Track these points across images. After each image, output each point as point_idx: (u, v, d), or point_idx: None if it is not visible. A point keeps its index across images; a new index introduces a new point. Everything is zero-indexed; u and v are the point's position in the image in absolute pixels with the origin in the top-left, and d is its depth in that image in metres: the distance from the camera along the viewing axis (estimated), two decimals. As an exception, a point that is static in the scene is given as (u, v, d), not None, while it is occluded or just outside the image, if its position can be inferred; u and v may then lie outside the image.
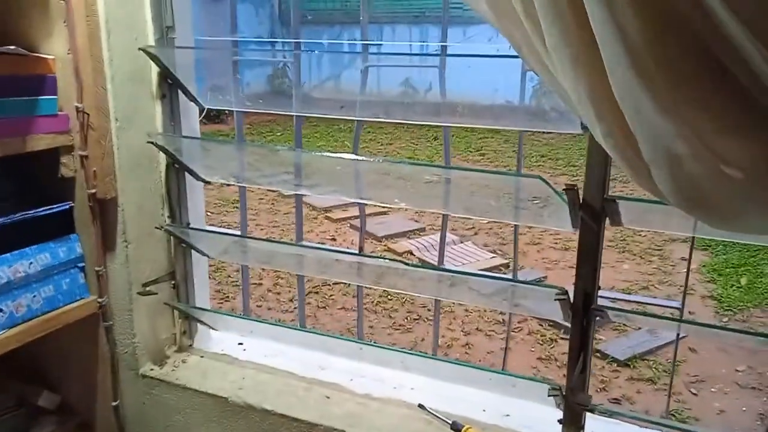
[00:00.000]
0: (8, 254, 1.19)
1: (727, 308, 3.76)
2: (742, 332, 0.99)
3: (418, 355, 1.35)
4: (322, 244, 4.84)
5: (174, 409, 1.39)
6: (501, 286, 1.18)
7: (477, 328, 3.56)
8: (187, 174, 1.38)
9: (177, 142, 1.35)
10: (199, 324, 1.49)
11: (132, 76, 1.27)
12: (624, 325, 3.45)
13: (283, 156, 1.35)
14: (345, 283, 4.05)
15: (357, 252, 1.31)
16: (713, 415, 2.77)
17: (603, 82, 0.51)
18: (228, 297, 3.95)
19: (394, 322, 3.66)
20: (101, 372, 1.42)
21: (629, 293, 3.99)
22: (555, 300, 0.98)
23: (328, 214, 5.60)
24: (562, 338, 3.40)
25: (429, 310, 3.77)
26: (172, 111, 1.35)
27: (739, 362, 3.13)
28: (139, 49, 1.26)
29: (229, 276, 4.24)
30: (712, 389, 2.95)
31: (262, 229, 5.20)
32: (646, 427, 1.14)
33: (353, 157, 1.17)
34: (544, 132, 8.07)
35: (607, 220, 0.95)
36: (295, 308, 3.80)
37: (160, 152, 1.34)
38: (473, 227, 5.29)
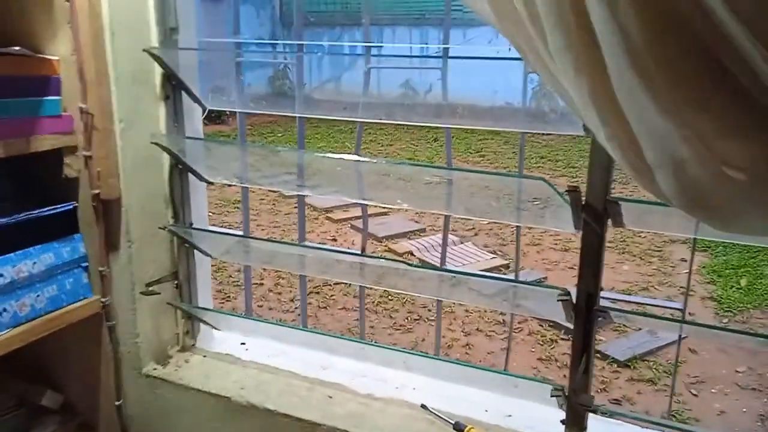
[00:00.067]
0: (12, 254, 1.20)
1: (727, 309, 3.76)
2: (744, 333, 0.99)
3: (421, 356, 1.35)
4: (323, 244, 4.84)
5: (177, 409, 1.40)
6: (503, 287, 1.18)
7: (477, 329, 3.57)
8: (190, 174, 1.39)
9: (180, 143, 1.36)
10: (201, 324, 1.50)
11: (136, 77, 1.28)
12: (624, 325, 3.46)
13: (286, 157, 1.36)
14: (346, 284, 4.06)
15: (359, 252, 1.32)
16: (713, 416, 2.78)
17: (605, 84, 0.52)
18: (229, 297, 3.95)
19: (395, 323, 3.67)
20: (104, 371, 1.43)
21: (629, 294, 4.00)
22: (558, 301, 0.99)
23: (329, 215, 5.61)
24: (562, 339, 3.41)
25: (429, 310, 3.78)
26: (176, 112, 1.36)
27: (740, 363, 3.14)
28: (143, 50, 1.26)
29: (230, 276, 4.25)
30: (713, 390, 2.96)
31: (263, 230, 5.20)
32: (648, 428, 1.14)
33: (356, 158, 1.18)
34: (543, 134, 8.08)
35: (610, 222, 0.96)
36: (296, 308, 3.81)
37: (164, 153, 1.34)
38: (473, 228, 5.30)
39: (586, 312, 0.99)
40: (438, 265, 3.68)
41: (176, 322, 1.47)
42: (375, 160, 1.21)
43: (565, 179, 6.60)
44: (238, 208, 5.77)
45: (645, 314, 1.07)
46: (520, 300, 1.19)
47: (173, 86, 1.34)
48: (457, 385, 1.26)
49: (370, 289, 3.54)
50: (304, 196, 1.41)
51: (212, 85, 1.39)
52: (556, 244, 4.88)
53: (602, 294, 1.01)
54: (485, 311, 3.71)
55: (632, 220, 0.96)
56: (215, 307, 1.52)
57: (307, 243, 1.41)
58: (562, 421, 1.06)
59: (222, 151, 1.46)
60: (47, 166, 1.27)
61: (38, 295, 1.24)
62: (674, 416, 2.73)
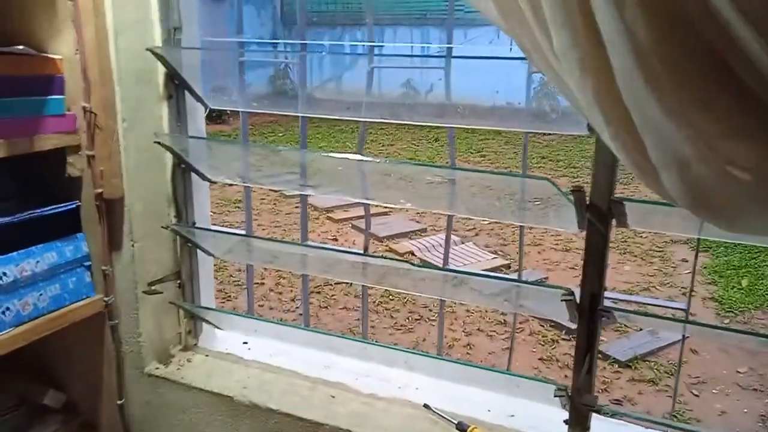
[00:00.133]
0: (15, 253, 1.20)
1: (728, 310, 3.76)
2: (748, 333, 0.99)
3: (423, 355, 1.35)
4: (324, 244, 4.84)
5: (179, 408, 1.40)
6: (506, 287, 1.18)
7: (478, 329, 3.57)
8: (193, 174, 1.39)
9: (183, 143, 1.36)
10: (204, 323, 1.50)
11: (139, 77, 1.28)
12: (625, 326, 3.46)
13: (289, 156, 1.36)
14: (347, 283, 4.06)
15: (362, 252, 1.32)
16: (714, 416, 2.78)
17: (611, 84, 0.52)
18: (230, 296, 3.95)
19: (396, 322, 3.67)
20: (106, 371, 1.43)
21: (630, 294, 4.00)
22: (561, 301, 0.99)
23: (329, 215, 5.61)
24: (563, 339, 3.41)
25: (430, 310, 3.78)
26: (179, 111, 1.36)
27: (741, 364, 3.14)
28: (147, 49, 1.26)
29: (231, 276, 4.25)
30: (714, 390, 2.96)
31: (264, 229, 5.20)
32: (651, 428, 1.14)
33: (359, 157, 1.18)
34: (544, 134, 8.09)
35: (614, 222, 0.95)
36: (296, 308, 3.81)
37: (167, 152, 1.34)
38: (474, 228, 5.30)
39: (589, 312, 0.99)
40: (439, 264, 3.68)
41: (179, 322, 1.47)
42: (378, 160, 1.21)
43: (566, 179, 6.60)
44: (238, 207, 5.78)
45: (649, 314, 1.07)
46: (523, 300, 1.19)
47: (176, 85, 1.34)
48: (459, 385, 1.26)
49: (371, 288, 3.54)
50: (306, 195, 1.41)
51: (213, 85, 1.39)
52: (557, 244, 4.88)
53: (605, 294, 1.01)
54: (486, 311, 3.71)
55: (636, 220, 0.96)
56: (216, 306, 1.52)
57: (309, 242, 1.41)
58: (566, 421, 1.06)
59: (225, 150, 1.46)
60: (50, 165, 1.27)
61: (41, 294, 1.24)
62: (675, 416, 2.73)
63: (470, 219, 5.36)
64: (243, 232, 1.50)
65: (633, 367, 3.14)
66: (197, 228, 1.41)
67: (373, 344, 1.35)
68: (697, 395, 2.92)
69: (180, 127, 1.36)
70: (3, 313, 1.17)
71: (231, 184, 6.11)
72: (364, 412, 1.24)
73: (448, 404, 1.23)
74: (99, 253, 1.33)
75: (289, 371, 1.38)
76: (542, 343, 3.40)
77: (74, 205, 1.30)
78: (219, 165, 1.41)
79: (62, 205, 1.28)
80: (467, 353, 3.32)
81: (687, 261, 4.53)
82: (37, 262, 1.23)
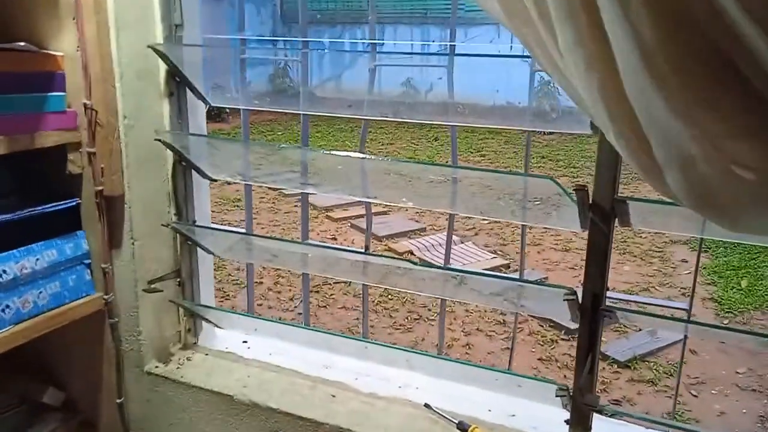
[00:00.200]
0: (15, 250, 1.19)
1: (728, 310, 3.76)
2: (751, 333, 0.99)
3: (424, 355, 1.35)
4: (323, 243, 4.83)
5: (178, 407, 1.39)
6: (507, 286, 1.18)
7: (477, 329, 3.57)
8: (193, 172, 1.38)
9: (184, 140, 1.35)
10: (203, 322, 1.49)
11: (140, 74, 1.27)
12: (624, 326, 3.46)
13: (290, 154, 1.35)
14: (345, 283, 4.06)
15: (363, 251, 1.32)
16: (713, 416, 2.78)
17: (616, 83, 0.51)
18: (228, 295, 3.95)
19: (395, 322, 3.66)
20: (106, 369, 1.42)
21: (630, 294, 4.00)
22: (564, 300, 0.99)
23: (329, 214, 5.61)
24: (562, 339, 3.41)
25: (429, 309, 3.78)
26: (180, 109, 1.35)
27: (740, 364, 3.14)
28: (148, 46, 1.26)
29: (230, 274, 4.25)
30: (713, 391, 2.96)
31: (263, 228, 5.20)
32: (652, 428, 1.14)
33: (360, 155, 1.18)
34: (544, 133, 8.09)
35: (617, 221, 0.95)
36: (295, 307, 3.80)
37: (167, 150, 1.34)
38: (474, 227, 5.30)
39: (592, 312, 0.98)
40: (439, 264, 3.67)
41: (178, 320, 1.47)
42: (380, 158, 1.21)
43: (566, 179, 6.60)
44: (237, 206, 5.77)
45: (651, 314, 1.07)
46: (524, 299, 1.19)
47: (177, 83, 1.33)
48: (460, 385, 1.26)
49: (369, 288, 3.55)
50: (308, 194, 1.41)
51: (214, 82, 1.38)
52: (556, 244, 4.88)
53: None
54: (485, 311, 3.71)
55: (641, 219, 0.96)
56: (215, 305, 1.52)
57: (311, 241, 1.40)
58: (567, 421, 1.06)
59: (226, 148, 1.46)
60: (51, 162, 1.27)
61: (41, 292, 1.24)
62: (675, 417, 2.73)
63: (469, 219, 5.36)
64: (243, 231, 1.50)
65: (632, 368, 3.14)
66: (197, 226, 1.41)
67: (374, 343, 1.35)
68: (696, 396, 2.92)
69: (181, 125, 1.36)
70: (3, 310, 1.17)
71: (230, 183, 6.10)
72: (364, 412, 1.24)
73: (449, 404, 1.22)
74: (99, 251, 1.32)
75: (289, 370, 1.37)
76: (541, 343, 3.40)
77: (74, 203, 1.30)
78: (220, 163, 1.41)
79: (62, 202, 1.28)
80: (466, 353, 3.32)
81: (687, 261, 4.53)
82: (37, 259, 1.23)
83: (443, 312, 1.43)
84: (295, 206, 5.83)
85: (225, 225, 4.97)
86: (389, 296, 3.93)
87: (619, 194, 0.94)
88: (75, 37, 1.19)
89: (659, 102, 0.48)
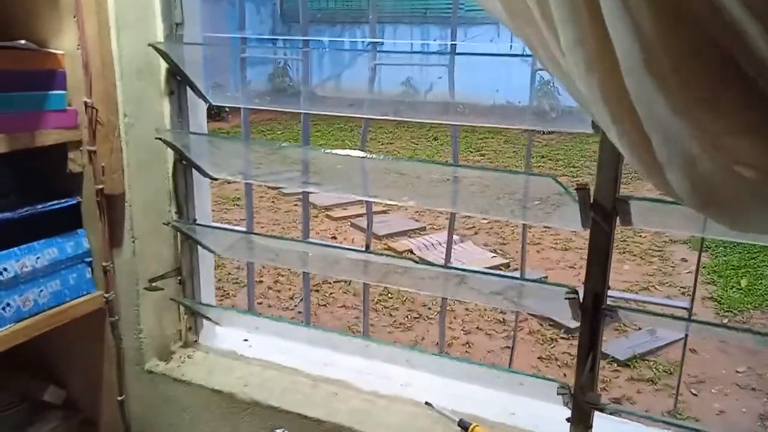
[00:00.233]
0: (16, 249, 1.19)
1: (727, 310, 3.77)
2: (755, 333, 0.99)
3: (425, 353, 1.35)
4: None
5: (179, 405, 1.40)
6: (509, 285, 1.18)
7: (477, 327, 3.57)
8: (194, 170, 1.38)
9: (185, 139, 1.35)
10: (204, 320, 1.49)
11: (141, 72, 1.27)
12: (624, 325, 3.46)
13: (291, 153, 1.35)
14: (345, 282, 4.06)
15: (364, 249, 1.32)
16: (713, 415, 2.78)
17: (618, 82, 0.51)
18: (228, 294, 3.95)
19: (395, 321, 3.66)
20: (107, 367, 1.42)
21: (629, 293, 4.00)
22: (565, 299, 0.99)
23: (328, 213, 5.61)
24: (562, 338, 3.41)
25: (429, 308, 3.78)
26: (180, 107, 1.35)
27: (739, 363, 3.15)
28: (149, 44, 1.26)
29: (229, 273, 4.24)
30: (713, 390, 2.96)
31: (262, 227, 5.20)
32: (653, 427, 1.14)
33: (362, 154, 1.18)
34: (543, 133, 8.09)
35: (618, 220, 0.95)
36: (295, 306, 3.80)
37: (168, 148, 1.34)
38: (473, 227, 5.30)
39: (593, 311, 0.98)
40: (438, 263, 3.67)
41: (179, 318, 1.47)
42: (381, 157, 1.21)
43: (566, 179, 6.60)
44: (237, 205, 5.77)
45: (653, 313, 1.07)
46: (525, 298, 1.19)
47: (178, 81, 1.33)
48: (461, 383, 1.26)
49: (370, 287, 3.55)
50: (309, 193, 1.41)
51: (213, 82, 1.38)
52: (556, 243, 4.88)
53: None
54: (485, 310, 3.71)
55: (642, 219, 0.96)
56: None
57: (312, 239, 1.40)
58: (568, 419, 1.06)
59: (226, 147, 1.46)
60: (51, 160, 1.27)
61: (41, 290, 1.24)
62: (676, 416, 2.74)
63: (469, 218, 5.36)
64: (244, 229, 1.50)
65: (632, 366, 3.14)
66: (198, 224, 1.41)
67: (375, 341, 1.35)
68: (695, 394, 2.93)
69: (181, 123, 1.36)
70: (3, 309, 1.17)
71: (229, 182, 6.10)
72: (365, 410, 1.24)
73: (450, 402, 1.23)
74: (100, 249, 1.32)
75: (291, 369, 1.38)
76: (541, 342, 3.41)
77: (75, 201, 1.30)
78: (220, 162, 1.41)
79: (63, 200, 1.28)
80: (466, 352, 3.32)
81: (686, 261, 4.53)
82: (38, 257, 1.23)
83: (444, 310, 1.43)
84: (295, 205, 5.83)
85: (224, 224, 4.97)
86: (389, 295, 3.93)
87: (620, 193, 0.94)
88: (76, 35, 1.19)
89: (660, 100, 0.48)
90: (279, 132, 9.01)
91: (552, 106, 1.10)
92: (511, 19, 0.63)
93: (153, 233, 1.36)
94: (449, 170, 1.15)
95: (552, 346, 3.36)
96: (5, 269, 1.16)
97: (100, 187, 1.27)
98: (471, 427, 1.14)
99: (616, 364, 3.15)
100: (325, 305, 3.84)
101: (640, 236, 4.95)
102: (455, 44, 1.18)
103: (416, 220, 5.42)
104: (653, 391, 2.95)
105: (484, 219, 5.34)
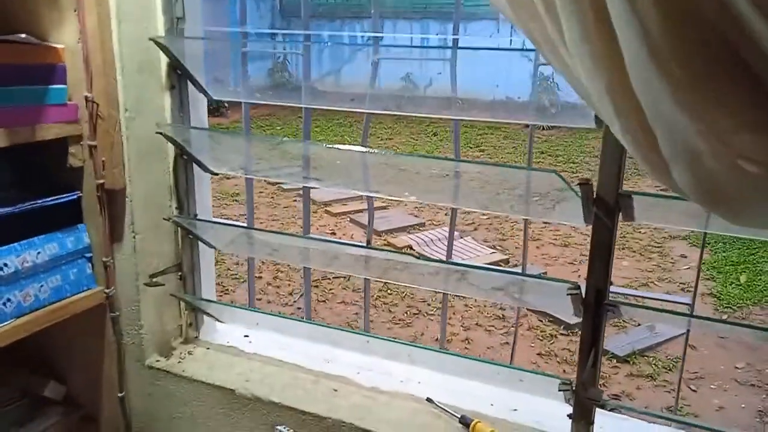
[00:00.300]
0: (16, 244, 1.19)
1: (727, 306, 3.77)
2: (756, 328, 0.99)
3: (426, 349, 1.35)
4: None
5: (180, 401, 1.39)
6: (510, 281, 1.18)
7: (477, 323, 3.57)
8: (195, 165, 1.38)
9: (185, 133, 1.35)
10: (205, 316, 1.49)
11: (141, 67, 1.27)
12: (623, 321, 3.47)
13: (291, 148, 1.35)
14: (345, 277, 4.06)
15: (365, 245, 1.31)
16: (712, 411, 2.79)
17: (623, 77, 0.51)
18: (227, 290, 3.95)
19: (394, 317, 3.67)
20: (107, 363, 1.42)
21: (629, 289, 4.00)
22: (567, 295, 0.99)
23: (327, 208, 5.60)
24: (561, 334, 3.42)
25: (429, 304, 3.78)
26: (181, 102, 1.35)
27: (739, 359, 3.15)
28: (149, 39, 1.25)
29: (229, 269, 4.24)
30: (712, 386, 2.97)
31: (262, 223, 5.19)
32: (655, 423, 1.14)
33: (363, 149, 1.17)
34: (543, 129, 8.08)
35: (620, 216, 0.95)
36: (294, 302, 3.80)
37: (169, 143, 1.34)
38: (473, 222, 5.30)
39: (595, 306, 0.98)
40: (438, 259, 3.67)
41: (180, 314, 1.46)
42: (382, 152, 1.20)
43: (566, 174, 6.58)
44: (236, 200, 5.77)
45: (655, 309, 1.07)
46: (526, 294, 1.19)
47: (179, 76, 1.33)
48: (462, 379, 1.26)
49: (370, 282, 3.54)
50: (309, 188, 1.40)
51: (213, 76, 1.38)
52: (555, 239, 4.88)
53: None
54: (484, 306, 3.71)
55: (643, 214, 0.95)
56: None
57: (312, 235, 1.40)
58: (569, 416, 1.06)
59: (227, 142, 1.46)
60: (52, 155, 1.26)
61: (42, 286, 1.24)
62: (676, 411, 2.74)
63: (469, 213, 5.36)
64: (245, 225, 1.49)
65: (631, 363, 3.15)
66: (199, 220, 1.40)
67: (376, 338, 1.34)
68: (695, 390, 2.93)
69: (182, 118, 1.36)
70: (4, 304, 1.16)
71: (228, 177, 6.09)
72: (366, 406, 1.24)
73: (451, 398, 1.22)
74: (100, 245, 1.32)
75: (291, 364, 1.37)
76: (541, 338, 3.41)
77: (75, 196, 1.30)
78: (221, 156, 1.40)
79: (63, 195, 1.27)
80: (466, 348, 3.33)
81: (686, 257, 4.54)
82: (38, 253, 1.22)
83: (445, 306, 1.42)
84: (294, 201, 5.83)
85: (224, 219, 4.96)
86: (388, 291, 3.93)
87: (623, 188, 0.94)
88: (76, 29, 1.18)
89: (665, 96, 0.47)
90: (278, 127, 9.00)
91: (552, 102, 1.09)
92: (515, 13, 0.63)
93: (153, 228, 1.36)
94: (450, 165, 1.15)
95: (551, 342, 3.36)
96: (6, 264, 1.16)
97: (101, 181, 1.26)
98: (472, 423, 1.14)
99: (615, 360, 3.16)
100: (324, 301, 3.84)
101: (640, 232, 4.96)
102: (457, 39, 1.17)
103: (416, 216, 5.42)
104: (652, 387, 2.96)
105: (483, 215, 5.34)
